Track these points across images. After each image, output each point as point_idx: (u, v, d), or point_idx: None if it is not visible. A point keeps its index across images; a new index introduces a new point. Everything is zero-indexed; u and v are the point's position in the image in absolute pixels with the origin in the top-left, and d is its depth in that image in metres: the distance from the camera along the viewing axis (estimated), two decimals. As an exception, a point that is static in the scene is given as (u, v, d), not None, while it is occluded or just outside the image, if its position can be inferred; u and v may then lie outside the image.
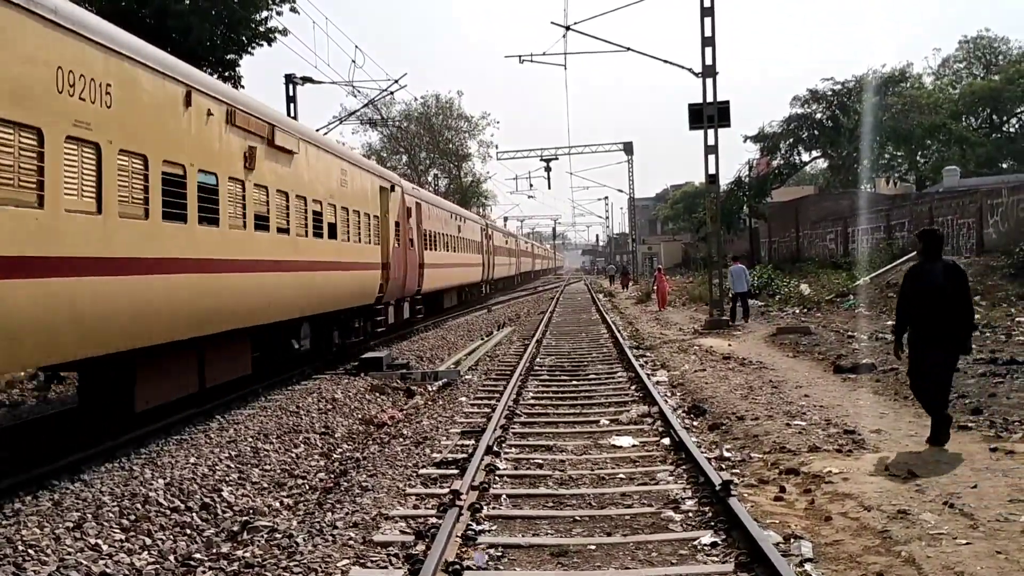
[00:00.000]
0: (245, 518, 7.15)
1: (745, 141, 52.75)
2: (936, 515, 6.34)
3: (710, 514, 6.78)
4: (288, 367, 15.17)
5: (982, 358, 13.76)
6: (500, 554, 6.15)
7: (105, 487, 7.84)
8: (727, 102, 23.00)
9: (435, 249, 28.26)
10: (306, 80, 29.82)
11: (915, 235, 9.23)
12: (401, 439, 10.34)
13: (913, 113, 48.64)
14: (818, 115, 50.23)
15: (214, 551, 6.40)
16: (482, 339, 22.27)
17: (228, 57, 31.31)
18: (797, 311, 25.21)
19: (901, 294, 8.95)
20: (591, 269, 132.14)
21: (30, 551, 6.18)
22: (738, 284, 23.73)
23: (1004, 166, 60.77)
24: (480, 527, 6.67)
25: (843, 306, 23.99)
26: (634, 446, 9.52)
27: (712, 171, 23.42)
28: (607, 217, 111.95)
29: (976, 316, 19.12)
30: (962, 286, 8.51)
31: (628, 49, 26.39)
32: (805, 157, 53.92)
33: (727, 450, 9.01)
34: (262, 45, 31.34)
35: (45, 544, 6.33)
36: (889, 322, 19.99)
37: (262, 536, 6.68)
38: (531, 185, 72.05)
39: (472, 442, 9.64)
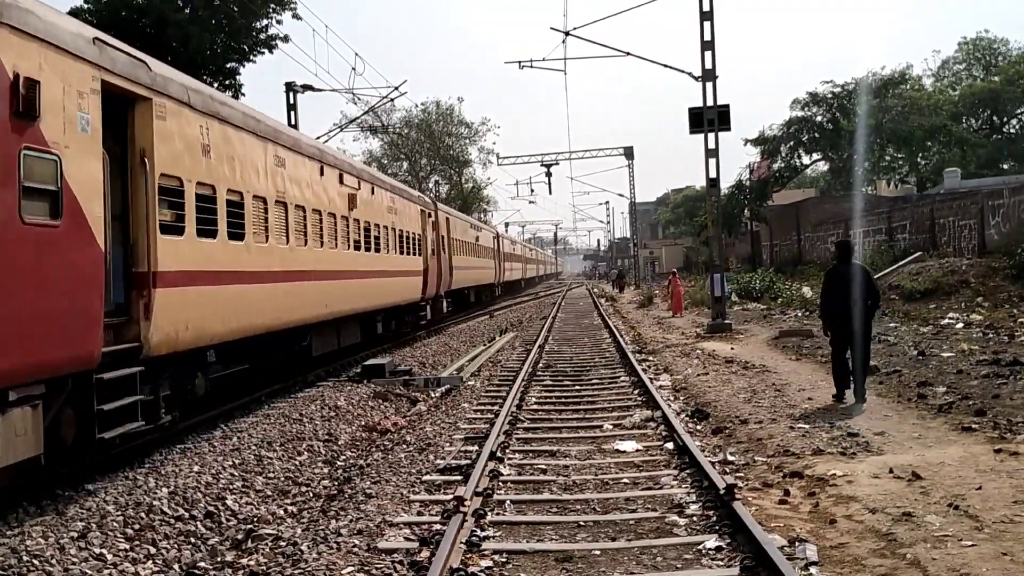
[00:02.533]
0: (249, 526, 7.15)
1: (745, 144, 52.86)
2: (941, 517, 6.33)
3: (714, 518, 6.77)
4: (295, 373, 15.18)
5: (985, 359, 13.75)
6: (505, 560, 6.15)
7: (109, 496, 7.84)
8: (727, 106, 22.98)
9: (510, 262, 55.27)
10: (306, 88, 29.88)
11: (834, 244, 12.42)
12: (404, 446, 10.33)
13: (913, 115, 48.63)
14: (818, 118, 50.28)
15: (219, 559, 6.40)
16: (484, 345, 22.26)
17: (228, 66, 31.35)
18: (799, 314, 25.19)
19: (823, 288, 11.90)
20: (592, 274, 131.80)
21: (34, 561, 6.18)
22: (718, 288, 25.20)
23: (1005, 167, 60.78)
24: (484, 533, 6.66)
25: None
26: (638, 451, 9.50)
27: (713, 175, 23.41)
28: (608, 221, 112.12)
29: (979, 317, 19.42)
30: (868, 280, 11.41)
31: (628, 54, 26.42)
32: (806, 160, 53.96)
33: (731, 454, 9.01)
34: (263, 53, 31.42)
35: (50, 554, 6.33)
36: (892, 324, 20.10)
37: (266, 544, 6.67)
38: (532, 190, 71.68)
39: (475, 448, 9.63)
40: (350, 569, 6.03)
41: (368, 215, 18.61)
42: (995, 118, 64.00)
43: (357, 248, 17.59)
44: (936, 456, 8.10)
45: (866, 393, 11.15)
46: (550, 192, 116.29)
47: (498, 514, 7.25)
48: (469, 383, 15.34)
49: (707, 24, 22.41)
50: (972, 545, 5.74)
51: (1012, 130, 64.97)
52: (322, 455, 10.06)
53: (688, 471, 8.26)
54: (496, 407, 12.35)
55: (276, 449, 10.06)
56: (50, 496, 7.84)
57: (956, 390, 11.46)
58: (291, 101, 29.70)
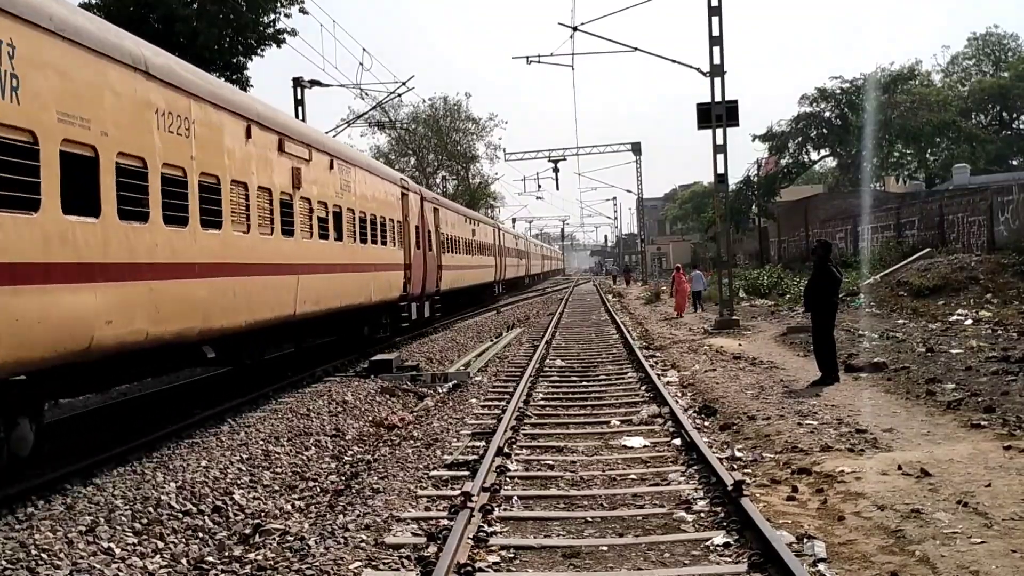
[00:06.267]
0: (257, 521, 7.16)
1: (754, 140, 52.71)
2: (950, 514, 6.31)
3: (722, 514, 6.76)
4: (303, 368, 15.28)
5: (994, 356, 13.69)
6: (512, 555, 6.15)
7: (117, 491, 7.86)
8: (735, 101, 22.95)
9: (534, 260, 68.36)
10: (314, 83, 29.87)
11: (816, 243, 14.64)
12: (412, 441, 10.34)
13: (922, 111, 48.39)
14: (827, 114, 50.11)
15: (226, 554, 6.41)
16: (492, 340, 22.27)
17: (235, 60, 31.33)
18: (807, 310, 25.10)
19: (815, 280, 13.50)
20: (599, 270, 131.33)
21: (43, 555, 6.20)
22: (696, 284, 31.30)
23: (1014, 163, 60.53)
24: (491, 528, 6.66)
25: (853, 305, 23.91)
26: (645, 447, 9.50)
27: (721, 170, 23.35)
28: (616, 217, 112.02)
29: (988, 314, 19.35)
30: (838, 276, 13.81)
31: (636, 49, 26.34)
32: (814, 156, 53.81)
33: (739, 450, 8.99)
34: (270, 47, 31.40)
35: (58, 548, 6.35)
36: (900, 320, 20.05)
37: (274, 539, 6.68)
38: (539, 186, 71.89)
39: (483, 443, 9.64)
40: (357, 564, 6.03)
41: (479, 237, 37.41)
42: (1004, 114, 63.74)
43: (476, 254, 36.77)
44: (945, 453, 8.08)
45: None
46: (557, 188, 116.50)
47: (505, 510, 7.25)
48: (476, 379, 15.34)
49: (715, 19, 22.35)
50: (981, 542, 5.72)
51: (1021, 126, 64.72)
52: (329, 450, 10.07)
53: (696, 467, 8.24)
54: (503, 403, 12.35)
55: (283, 444, 10.07)
56: (59, 490, 7.86)
57: (965, 387, 11.42)
58: (299, 96, 29.70)
